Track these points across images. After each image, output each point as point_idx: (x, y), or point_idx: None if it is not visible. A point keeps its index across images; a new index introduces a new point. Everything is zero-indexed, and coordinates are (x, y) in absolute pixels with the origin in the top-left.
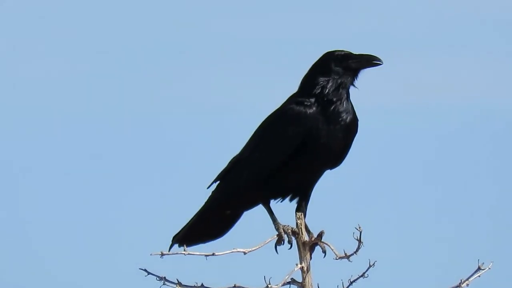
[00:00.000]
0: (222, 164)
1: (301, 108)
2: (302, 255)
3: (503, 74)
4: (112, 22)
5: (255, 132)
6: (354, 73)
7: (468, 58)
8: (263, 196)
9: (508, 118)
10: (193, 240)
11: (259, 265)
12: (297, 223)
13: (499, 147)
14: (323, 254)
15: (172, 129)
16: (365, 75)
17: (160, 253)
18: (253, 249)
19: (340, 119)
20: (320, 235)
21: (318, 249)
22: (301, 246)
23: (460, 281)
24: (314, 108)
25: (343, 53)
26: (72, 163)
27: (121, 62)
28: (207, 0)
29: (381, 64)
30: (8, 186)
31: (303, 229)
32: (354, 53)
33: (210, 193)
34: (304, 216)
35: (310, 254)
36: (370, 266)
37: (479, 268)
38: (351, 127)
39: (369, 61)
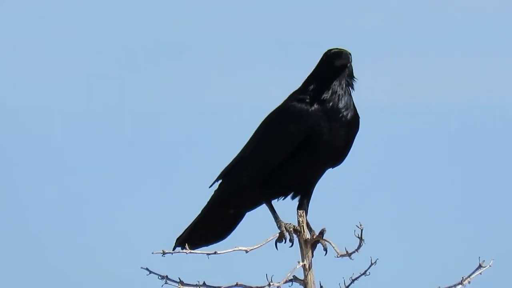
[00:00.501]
0: (224, 163)
1: (303, 106)
2: (304, 253)
3: (504, 72)
4: (111, 22)
5: (257, 130)
6: (347, 71)
7: (470, 57)
8: (265, 194)
9: (509, 117)
10: (196, 242)
11: (261, 263)
12: (298, 221)
13: (500, 145)
14: (325, 252)
15: (172, 129)
16: (366, 73)
17: (162, 252)
18: (255, 247)
19: (340, 115)
20: (322, 232)
21: (319, 246)
22: (303, 244)
23: (461, 279)
24: (315, 106)
25: (337, 51)
26: (73, 162)
27: (120, 62)
28: (205, 0)
29: (344, 63)
30: (7, 185)
31: (305, 227)
32: (348, 50)
33: (213, 192)
34: (306, 214)
35: (312, 252)
36: (371, 264)
37: (480, 266)
38: (352, 124)
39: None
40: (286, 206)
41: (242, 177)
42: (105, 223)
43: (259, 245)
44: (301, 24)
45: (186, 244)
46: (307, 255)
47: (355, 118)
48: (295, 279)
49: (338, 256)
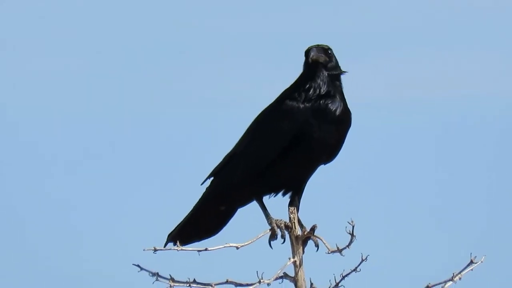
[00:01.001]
0: (216, 160)
1: (294, 103)
2: (295, 249)
3: (499, 67)
4: (110, 21)
5: (249, 127)
6: (322, 65)
7: (463, 53)
8: (257, 190)
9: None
10: (188, 238)
11: (252, 260)
12: (290, 217)
13: (496, 141)
14: (316, 248)
15: (166, 127)
16: (360, 71)
17: (153, 249)
18: (245, 243)
19: (330, 112)
20: (313, 229)
21: (310, 243)
22: (293, 240)
23: (452, 275)
24: (305, 103)
25: (309, 48)
26: (68, 160)
27: (119, 62)
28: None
29: (314, 58)
30: (4, 185)
31: (296, 223)
32: (323, 45)
33: (205, 190)
34: (297, 211)
35: (303, 248)
36: (362, 260)
37: (471, 262)
38: (343, 120)
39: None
40: (277, 203)
41: (235, 173)
42: (96, 220)
43: (250, 242)
44: (298, 23)
45: (177, 241)
46: (298, 251)
47: (345, 114)
48: (285, 275)
49: (329, 252)
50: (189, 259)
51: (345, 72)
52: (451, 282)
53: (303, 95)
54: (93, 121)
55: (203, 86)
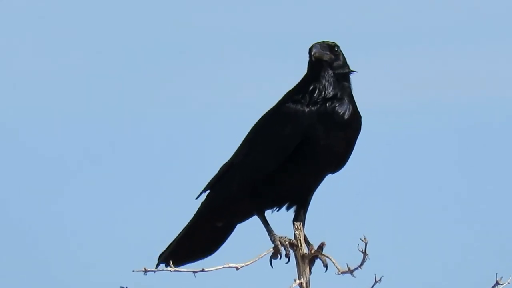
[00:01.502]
0: (212, 171)
1: (298, 106)
2: (301, 270)
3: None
4: (109, 21)
5: (248, 134)
6: (327, 63)
7: (475, 52)
8: (257, 204)
9: None
10: (182, 258)
11: (254, 281)
12: (295, 234)
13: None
14: (324, 269)
15: (156, 135)
16: (368, 71)
17: (144, 270)
18: (246, 264)
19: (338, 116)
20: (321, 247)
21: (318, 262)
22: (299, 260)
23: None
24: (311, 106)
25: (312, 45)
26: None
27: (116, 62)
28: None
29: (316, 55)
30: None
31: (302, 241)
32: (329, 42)
33: (200, 205)
34: (303, 226)
35: (310, 269)
36: (376, 281)
37: (497, 283)
38: (352, 124)
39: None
40: (281, 218)
41: (232, 186)
42: (83, 238)
43: (251, 262)
44: (302, 19)
45: (170, 261)
46: (304, 272)
47: (355, 118)
48: None
49: (339, 273)
50: (184, 281)
51: (354, 71)
52: None
53: (307, 97)
54: (89, 121)
55: (199, 88)
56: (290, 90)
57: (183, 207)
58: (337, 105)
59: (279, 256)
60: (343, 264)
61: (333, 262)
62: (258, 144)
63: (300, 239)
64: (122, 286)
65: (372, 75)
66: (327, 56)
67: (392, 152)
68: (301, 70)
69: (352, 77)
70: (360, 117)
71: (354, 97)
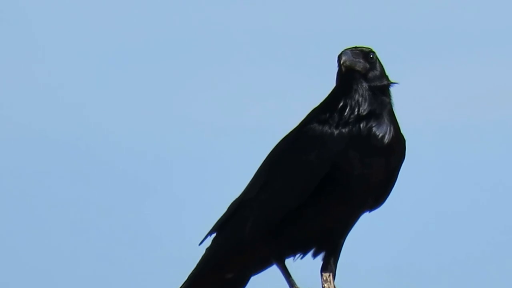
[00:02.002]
0: (219, 211)
1: (325, 128)
2: None
3: None
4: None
5: (263, 163)
6: (360, 74)
7: None
8: (275, 250)
9: None
10: None
11: None
12: (323, 287)
13: None
14: None
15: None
16: (413, 83)
17: None
18: None
19: (375, 139)
20: None
21: None
22: None
23: None
24: (341, 127)
25: (347, 50)
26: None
27: (116, 70)
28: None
29: (347, 64)
30: None
31: None
32: (363, 47)
33: (204, 251)
34: (333, 278)
35: None
36: None
37: None
38: (394, 149)
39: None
40: (305, 266)
41: (245, 227)
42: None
43: None
44: (327, 18)
45: None
46: None
47: (397, 141)
48: None
49: None
50: None
51: (394, 83)
52: None
53: (336, 116)
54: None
55: (196, 106)
56: (315, 108)
57: (183, 255)
58: (374, 125)
59: None
60: None
61: None
62: (276, 176)
63: None
64: None
65: (418, 88)
66: (360, 64)
67: (443, 180)
68: (329, 83)
69: (392, 90)
70: (403, 140)
71: (396, 115)
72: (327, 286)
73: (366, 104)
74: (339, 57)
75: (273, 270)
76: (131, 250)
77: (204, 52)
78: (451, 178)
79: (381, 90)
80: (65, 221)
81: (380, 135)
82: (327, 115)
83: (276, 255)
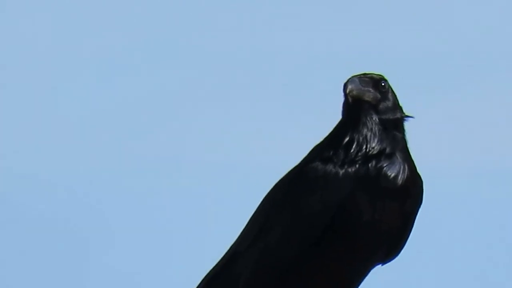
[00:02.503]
0: (209, 263)
1: (330, 167)
2: None
3: None
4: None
5: (258, 208)
6: (369, 105)
7: None
8: None
9: None
10: None
11: None
12: None
13: None
14: None
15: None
16: (433, 116)
17: None
18: None
19: (387, 180)
20: None
21: None
22: None
23: None
24: (347, 166)
25: (355, 77)
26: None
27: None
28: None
29: (353, 94)
30: None
31: None
32: (373, 74)
33: None
34: None
35: None
36: None
37: None
38: (409, 192)
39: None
40: None
41: (238, 282)
42: None
43: None
44: (331, 38)
45: None
46: None
47: (412, 182)
48: None
49: None
50: None
51: (409, 116)
52: None
53: (341, 154)
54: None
55: (190, 142)
56: (318, 144)
57: None
58: (385, 164)
59: None
60: None
61: None
62: (273, 223)
63: None
64: None
65: (438, 123)
66: (369, 94)
67: (467, 229)
68: (334, 115)
69: (406, 124)
70: (420, 181)
71: (411, 153)
72: None
73: (376, 140)
74: (345, 85)
75: None
76: None
77: (189, 88)
78: (479, 227)
79: (393, 124)
80: None
81: (392, 175)
82: (331, 152)
83: None
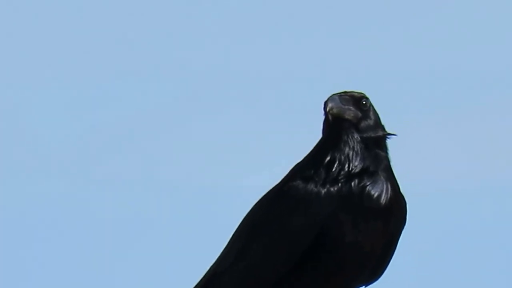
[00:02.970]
0: (187, 285)
1: (311, 186)
2: None
3: None
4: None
5: (238, 229)
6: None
7: None
8: None
9: None
10: None
11: None
12: None
13: None
14: None
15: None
16: (417, 134)
17: None
18: None
19: (370, 199)
20: None
21: None
22: None
23: None
24: (329, 186)
25: (335, 95)
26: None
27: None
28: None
29: (334, 112)
30: None
31: None
32: (356, 93)
33: None
34: None
35: None
36: None
37: None
38: (393, 213)
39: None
40: None
41: None
42: None
43: None
44: (309, 57)
45: None
46: None
47: (396, 202)
48: None
49: None
50: None
51: (391, 134)
52: None
53: (322, 173)
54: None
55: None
56: (299, 163)
57: None
58: (368, 183)
59: None
60: None
61: None
62: (253, 243)
63: None
64: None
65: (423, 142)
66: (350, 112)
67: (453, 251)
68: (314, 134)
69: (389, 143)
70: (404, 201)
71: (394, 172)
72: None
73: (358, 158)
74: (326, 103)
75: None
76: None
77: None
78: (463, 249)
79: (375, 142)
80: None
81: (376, 194)
82: (312, 171)
83: None
